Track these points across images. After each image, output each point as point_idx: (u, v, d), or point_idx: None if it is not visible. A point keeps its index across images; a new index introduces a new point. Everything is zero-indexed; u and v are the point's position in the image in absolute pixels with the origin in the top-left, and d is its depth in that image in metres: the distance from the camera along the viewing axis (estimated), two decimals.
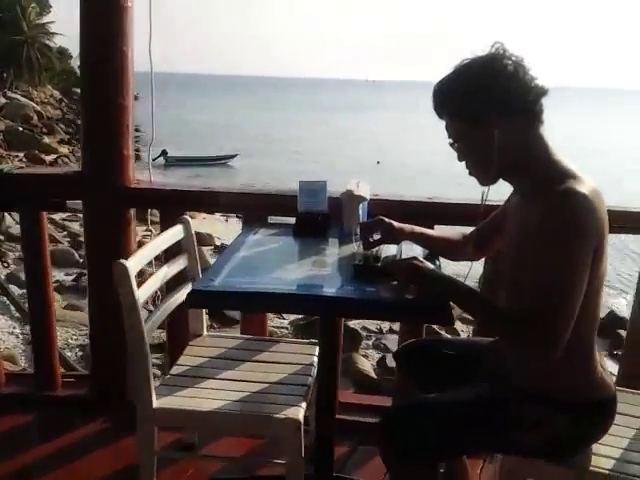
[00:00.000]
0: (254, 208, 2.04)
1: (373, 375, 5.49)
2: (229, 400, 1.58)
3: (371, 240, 1.55)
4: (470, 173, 1.37)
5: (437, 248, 1.63)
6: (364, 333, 6.80)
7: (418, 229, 1.62)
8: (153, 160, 7.45)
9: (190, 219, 1.84)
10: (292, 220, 1.94)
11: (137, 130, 7.58)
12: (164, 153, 21.41)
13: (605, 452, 1.40)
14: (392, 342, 6.33)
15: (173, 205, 2.09)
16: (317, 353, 1.78)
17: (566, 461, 1.37)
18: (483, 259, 1.73)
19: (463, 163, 1.36)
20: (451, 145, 1.35)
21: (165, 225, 2.10)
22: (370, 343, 6.71)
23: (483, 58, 1.27)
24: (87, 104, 2.05)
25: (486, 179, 1.35)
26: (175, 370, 1.73)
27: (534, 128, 1.28)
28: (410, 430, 1.34)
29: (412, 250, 1.59)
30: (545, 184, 1.23)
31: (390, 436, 1.36)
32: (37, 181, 2.17)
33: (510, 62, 1.25)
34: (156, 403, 1.53)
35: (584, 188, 1.19)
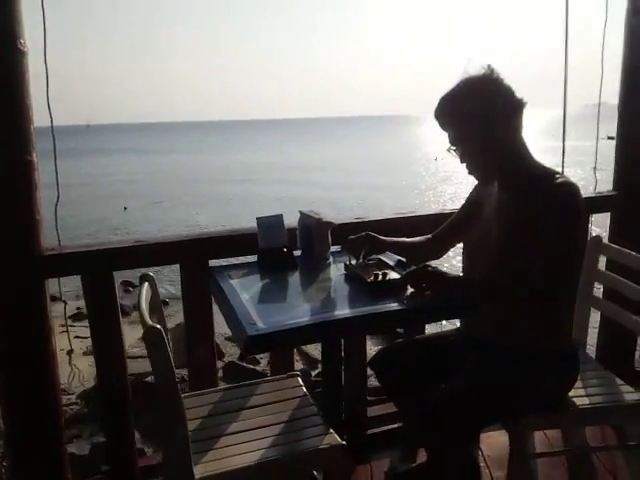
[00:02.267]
0: (195, 254, 1.95)
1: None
2: (262, 448, 1.52)
3: (362, 253, 1.70)
4: (470, 173, 1.62)
5: (410, 253, 1.83)
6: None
7: (394, 240, 1.83)
8: None
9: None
10: (238, 260, 1.94)
11: None
12: None
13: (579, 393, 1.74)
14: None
15: (99, 267, 1.88)
16: (300, 382, 1.82)
17: (556, 408, 1.67)
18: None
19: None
20: (451, 150, 1.58)
21: (92, 292, 1.89)
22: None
23: (479, 76, 1.54)
24: None
25: (485, 179, 1.64)
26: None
27: (518, 135, 1.57)
28: (451, 416, 1.52)
29: (390, 258, 1.78)
30: (540, 179, 1.52)
31: (435, 423, 1.52)
32: None
33: (500, 79, 1.52)
34: (197, 473, 1.40)
35: (571, 181, 1.52)
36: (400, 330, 2.41)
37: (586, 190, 2.07)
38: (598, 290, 2.15)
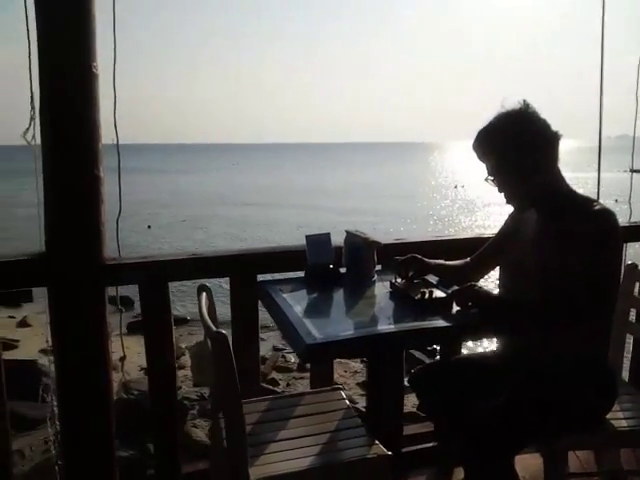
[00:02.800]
0: (245, 268, 2.05)
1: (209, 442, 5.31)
2: (311, 455, 1.59)
3: (410, 274, 1.78)
4: (507, 202, 1.70)
5: (452, 275, 1.90)
6: (187, 402, 6.63)
7: (438, 262, 1.91)
8: None
9: None
10: (281, 275, 2.04)
11: None
12: None
13: (616, 416, 1.78)
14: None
15: (155, 277, 1.99)
16: (343, 395, 1.89)
17: (593, 429, 1.72)
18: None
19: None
20: (489, 180, 1.67)
21: (147, 299, 1.99)
22: (195, 412, 6.54)
23: (516, 110, 1.62)
24: (52, 176, 1.84)
25: (522, 207, 1.71)
26: None
27: (555, 165, 1.65)
28: (493, 433, 1.57)
29: (432, 278, 1.85)
30: (578, 207, 1.59)
31: (478, 440, 1.57)
32: None
33: (536, 113, 1.61)
34: (252, 475, 1.47)
35: (608, 207, 1.59)
36: (436, 348, 2.46)
37: None
38: (633, 316, 2.19)
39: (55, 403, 2.03)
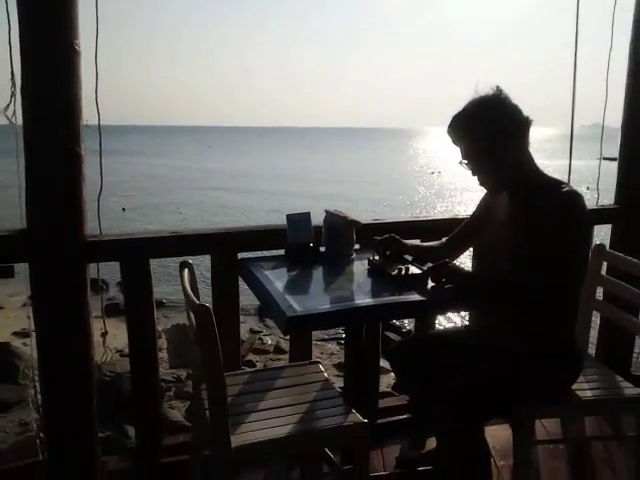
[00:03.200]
0: (227, 246, 2.09)
1: (186, 422, 5.38)
2: (290, 424, 1.65)
3: (387, 253, 1.84)
4: (481, 184, 1.76)
5: (428, 256, 1.96)
6: (163, 384, 6.62)
7: (414, 243, 1.99)
8: None
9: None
10: (268, 252, 2.08)
11: None
12: None
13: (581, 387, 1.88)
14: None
15: (137, 255, 2.01)
16: (321, 369, 1.96)
17: (560, 399, 1.81)
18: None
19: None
20: (463, 163, 1.72)
21: (129, 277, 2.02)
22: (172, 394, 6.57)
23: (489, 95, 1.67)
24: (34, 152, 1.84)
25: (495, 189, 1.77)
26: None
27: (526, 149, 1.72)
28: (465, 404, 1.66)
29: (407, 257, 1.91)
30: (547, 189, 1.66)
31: (451, 411, 1.65)
32: None
33: (508, 98, 1.66)
34: (233, 443, 1.52)
35: (575, 189, 1.66)
36: (410, 330, 2.54)
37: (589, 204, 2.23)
38: (599, 294, 2.29)
39: (37, 382, 2.05)
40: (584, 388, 1.88)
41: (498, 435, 2.28)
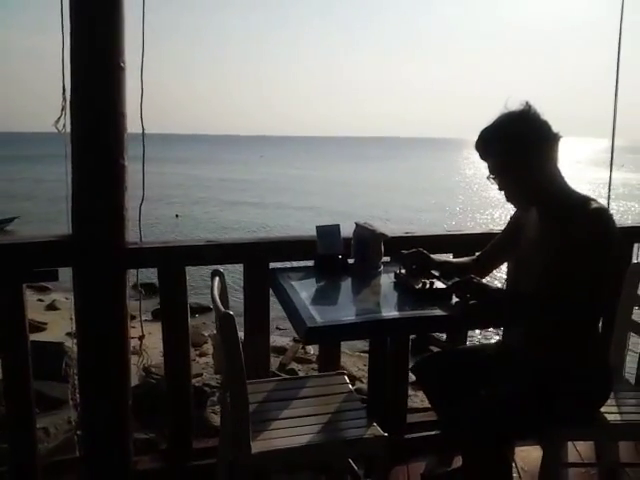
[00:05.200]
0: (259, 255, 2.15)
1: None
2: (311, 433, 1.68)
3: (413, 267, 1.85)
4: (507, 200, 1.75)
5: (457, 272, 1.96)
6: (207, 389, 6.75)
7: (443, 259, 1.99)
8: None
9: None
10: (293, 264, 2.13)
11: None
12: None
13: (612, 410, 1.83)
14: None
15: (175, 262, 2.10)
16: (346, 380, 1.98)
17: (587, 422, 1.77)
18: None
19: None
20: (490, 178, 1.72)
21: (166, 283, 2.11)
22: (215, 399, 6.68)
23: (517, 112, 1.67)
24: (80, 163, 1.96)
25: (521, 205, 1.77)
26: None
27: (555, 165, 1.70)
28: (489, 421, 1.64)
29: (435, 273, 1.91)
30: (576, 207, 1.64)
31: (474, 427, 1.64)
32: (18, 251, 1.98)
33: (537, 114, 1.66)
34: (254, 449, 1.57)
35: (604, 207, 1.64)
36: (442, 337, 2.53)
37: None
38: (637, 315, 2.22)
39: (76, 383, 2.15)
40: (619, 412, 1.82)
41: (529, 456, 2.24)
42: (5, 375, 1.99)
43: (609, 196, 2.44)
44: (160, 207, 23.18)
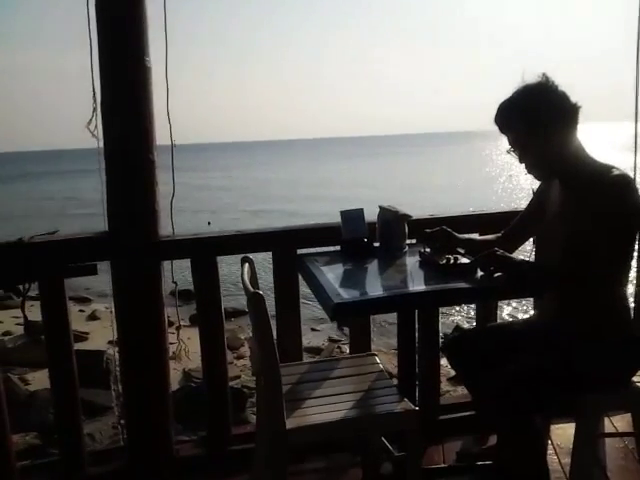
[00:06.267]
0: (287, 243, 2.21)
1: None
2: (343, 409, 1.71)
3: (437, 246, 1.88)
4: (528, 172, 1.77)
5: (481, 249, 1.97)
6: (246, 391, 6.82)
7: (467, 237, 2.01)
8: None
9: None
10: (322, 249, 2.18)
11: None
12: None
13: None
14: None
15: (207, 251, 2.18)
16: (377, 360, 2.01)
17: (620, 389, 1.75)
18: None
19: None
20: (511, 151, 1.74)
21: (199, 272, 2.18)
22: (254, 400, 6.72)
23: (536, 83, 1.69)
24: (113, 161, 2.05)
25: (542, 176, 1.79)
26: None
27: (574, 135, 1.71)
28: (519, 392, 1.65)
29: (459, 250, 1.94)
30: (597, 175, 1.64)
31: (505, 399, 1.65)
32: (58, 247, 2.09)
33: (555, 85, 1.67)
34: (288, 425, 1.61)
35: (626, 173, 1.64)
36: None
37: None
38: None
39: (120, 388, 2.24)
40: None
41: (565, 433, 2.23)
42: (53, 385, 2.10)
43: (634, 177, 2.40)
44: (192, 218, 23.58)
